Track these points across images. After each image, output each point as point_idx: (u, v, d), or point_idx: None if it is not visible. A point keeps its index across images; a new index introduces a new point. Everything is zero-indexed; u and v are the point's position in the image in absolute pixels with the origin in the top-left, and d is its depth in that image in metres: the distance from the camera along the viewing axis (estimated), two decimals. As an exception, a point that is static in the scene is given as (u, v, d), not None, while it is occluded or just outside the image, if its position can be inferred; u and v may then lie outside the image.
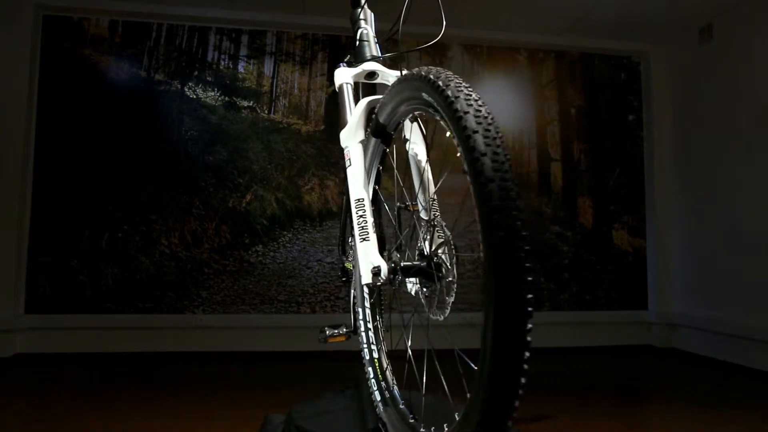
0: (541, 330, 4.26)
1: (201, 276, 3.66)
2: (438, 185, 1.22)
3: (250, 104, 3.88)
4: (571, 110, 4.32)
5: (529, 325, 0.83)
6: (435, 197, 1.19)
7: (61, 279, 3.53)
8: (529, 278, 0.83)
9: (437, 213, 1.18)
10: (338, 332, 1.61)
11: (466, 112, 0.89)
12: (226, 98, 3.85)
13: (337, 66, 1.41)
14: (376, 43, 1.39)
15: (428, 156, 1.25)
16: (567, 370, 3.47)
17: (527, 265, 0.83)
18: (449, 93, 0.93)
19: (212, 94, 3.84)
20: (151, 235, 3.65)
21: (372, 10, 1.50)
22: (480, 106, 0.91)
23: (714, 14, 3.75)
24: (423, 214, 1.19)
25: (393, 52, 1.40)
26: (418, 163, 1.23)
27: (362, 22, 1.39)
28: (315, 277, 3.80)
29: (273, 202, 3.82)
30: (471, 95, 0.92)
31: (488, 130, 0.88)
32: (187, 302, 3.64)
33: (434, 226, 1.14)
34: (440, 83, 0.96)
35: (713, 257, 3.78)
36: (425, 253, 1.09)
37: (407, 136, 1.26)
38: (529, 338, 0.83)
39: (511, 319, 0.82)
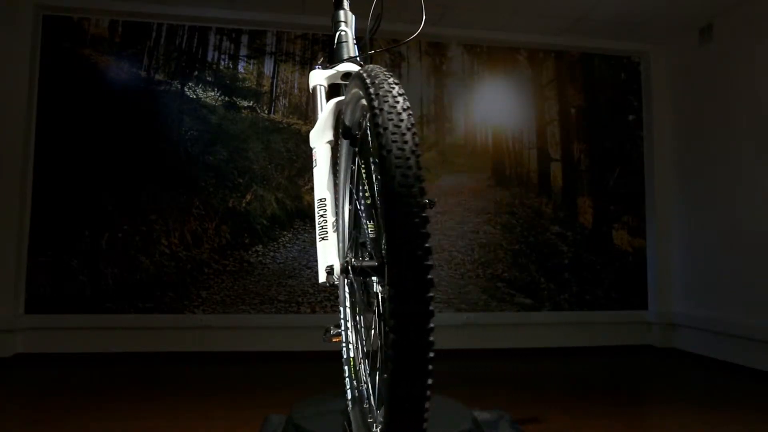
0: (542, 330, 4.31)
1: (201, 276, 3.66)
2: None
3: (250, 104, 3.88)
4: (571, 110, 4.32)
5: (431, 325, 0.82)
6: None
7: (61, 279, 3.53)
8: (428, 276, 0.81)
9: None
10: (339, 332, 1.62)
11: (381, 109, 0.90)
12: (226, 98, 3.85)
13: (312, 68, 1.42)
14: (355, 44, 1.39)
15: None
16: (567, 370, 3.47)
17: (427, 263, 0.81)
18: (371, 90, 0.93)
19: (212, 94, 3.84)
20: (151, 235, 3.66)
21: (356, 12, 1.51)
22: (396, 102, 0.90)
23: (714, 14, 3.75)
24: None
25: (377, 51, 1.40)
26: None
27: (342, 24, 1.40)
28: (315, 277, 3.80)
29: (273, 202, 3.82)
30: (390, 92, 0.92)
31: (398, 126, 0.88)
32: (187, 302, 3.64)
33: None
34: (367, 80, 0.97)
35: (713, 257, 3.78)
36: (375, 252, 1.09)
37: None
38: (431, 338, 0.82)
39: (411, 319, 0.81)
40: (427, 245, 0.81)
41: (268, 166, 3.84)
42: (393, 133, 0.86)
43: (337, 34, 1.39)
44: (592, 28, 4.01)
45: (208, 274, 3.67)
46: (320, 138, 1.27)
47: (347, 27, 1.40)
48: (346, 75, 1.33)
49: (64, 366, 3.22)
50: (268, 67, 3.93)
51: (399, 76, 4.10)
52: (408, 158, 0.84)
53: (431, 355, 0.83)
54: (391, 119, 0.88)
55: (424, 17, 1.43)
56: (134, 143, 3.70)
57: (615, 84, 4.39)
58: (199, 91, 3.82)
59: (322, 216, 1.20)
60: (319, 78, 1.38)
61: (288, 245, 3.80)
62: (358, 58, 1.37)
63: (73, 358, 3.36)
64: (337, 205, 1.27)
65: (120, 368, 3.21)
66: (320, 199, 1.22)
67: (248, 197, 3.79)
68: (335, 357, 3.51)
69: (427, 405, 0.85)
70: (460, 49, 4.20)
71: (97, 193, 3.63)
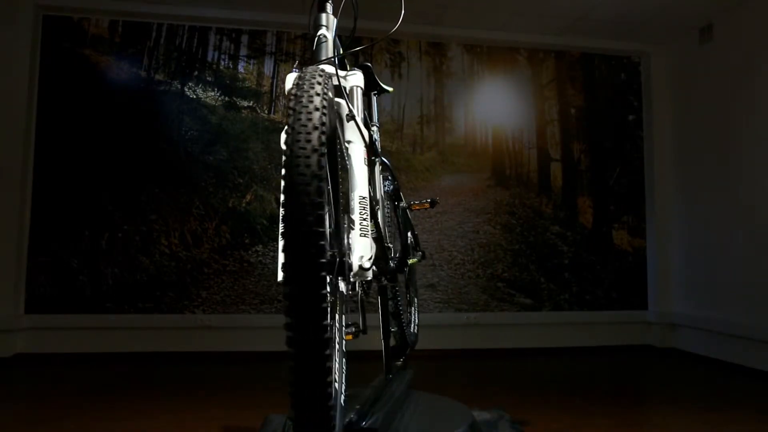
0: (542, 330, 4.30)
1: (201, 276, 3.66)
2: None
3: (250, 104, 3.88)
4: (571, 110, 4.32)
5: (325, 322, 0.83)
6: (365, 196, 1.20)
7: (61, 279, 3.53)
8: (323, 286, 0.82)
9: (365, 212, 1.18)
10: (346, 331, 1.64)
11: (294, 109, 0.92)
12: (226, 98, 3.85)
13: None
14: (335, 47, 1.41)
15: (368, 155, 1.27)
16: (567, 370, 3.47)
17: (320, 260, 0.82)
18: (292, 90, 0.96)
19: (212, 94, 3.84)
20: (151, 235, 3.65)
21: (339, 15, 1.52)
22: (309, 101, 0.92)
23: (714, 14, 3.75)
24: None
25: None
26: (356, 162, 1.24)
27: (322, 27, 1.42)
28: (315, 277, 3.79)
29: (273, 202, 3.82)
30: (307, 91, 0.94)
31: (293, 127, 0.90)
32: (187, 302, 3.64)
33: (351, 225, 1.15)
34: (290, 80, 0.99)
35: (713, 257, 3.78)
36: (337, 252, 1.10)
37: (346, 137, 1.27)
38: (325, 336, 0.83)
39: (303, 320, 0.82)
40: (321, 243, 0.81)
41: (268, 166, 3.83)
42: (298, 132, 0.88)
43: (316, 36, 1.40)
44: (592, 28, 4.01)
45: (208, 274, 3.67)
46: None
47: (327, 30, 1.41)
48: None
49: (64, 366, 3.22)
50: (268, 67, 3.93)
51: (399, 76, 4.11)
52: (308, 156, 0.85)
53: (324, 344, 0.83)
54: (299, 119, 0.89)
55: (402, 13, 1.44)
56: (134, 143, 3.70)
57: (615, 84, 4.39)
58: (199, 91, 3.82)
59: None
60: (291, 81, 1.39)
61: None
62: (335, 60, 1.38)
63: (73, 358, 3.36)
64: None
65: (120, 368, 3.21)
66: (281, 200, 1.27)
67: (248, 197, 3.79)
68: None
69: (330, 402, 0.86)
70: (460, 49, 4.19)
71: (97, 193, 3.63)
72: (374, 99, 2.15)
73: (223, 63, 3.89)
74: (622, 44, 4.27)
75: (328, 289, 0.83)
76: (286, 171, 0.85)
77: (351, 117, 1.25)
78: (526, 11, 3.79)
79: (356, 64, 1.59)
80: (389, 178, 2.14)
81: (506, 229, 4.10)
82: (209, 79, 3.85)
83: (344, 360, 1.35)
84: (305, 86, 0.95)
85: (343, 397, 1.27)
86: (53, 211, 3.57)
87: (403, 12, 1.45)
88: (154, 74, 3.79)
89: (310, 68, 1.02)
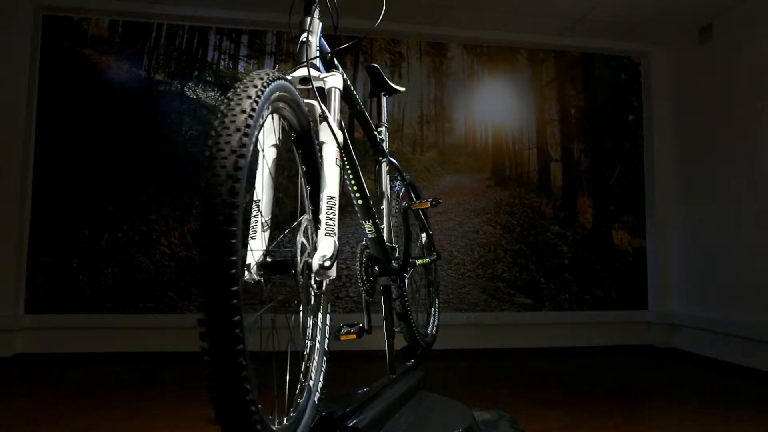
0: (542, 330, 4.30)
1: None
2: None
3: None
4: (571, 110, 4.32)
5: (237, 330, 0.84)
6: (333, 196, 1.23)
7: (61, 279, 3.53)
8: (234, 287, 0.83)
9: (329, 213, 1.20)
10: (351, 330, 1.65)
11: (221, 111, 0.94)
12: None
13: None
14: (318, 49, 1.42)
15: (341, 155, 1.29)
16: (567, 370, 3.47)
17: (229, 257, 0.83)
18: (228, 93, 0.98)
19: (212, 94, 3.84)
20: (151, 235, 3.65)
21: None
22: (237, 103, 0.94)
23: (714, 14, 3.75)
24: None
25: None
26: (327, 162, 1.27)
27: (306, 32, 1.44)
28: (315, 277, 3.80)
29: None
30: (237, 92, 0.96)
31: (215, 129, 0.92)
32: (187, 302, 3.63)
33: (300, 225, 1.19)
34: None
35: (713, 257, 3.78)
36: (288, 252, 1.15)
37: (320, 138, 1.30)
38: (239, 334, 0.85)
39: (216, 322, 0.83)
40: (232, 241, 0.82)
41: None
42: (219, 135, 0.90)
43: (300, 40, 1.43)
44: (592, 28, 4.01)
45: (208, 274, 3.67)
46: (266, 142, 1.31)
47: (311, 34, 1.43)
48: (304, 79, 1.35)
49: (64, 366, 3.22)
50: (268, 67, 3.93)
51: (399, 76, 4.11)
52: (225, 158, 0.87)
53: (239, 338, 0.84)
54: (224, 121, 0.92)
55: (383, 10, 1.48)
56: (134, 143, 3.70)
57: (615, 84, 4.39)
58: (199, 91, 3.82)
59: (254, 217, 1.27)
60: None
61: (288, 245, 3.80)
62: (317, 62, 1.40)
63: (73, 358, 3.36)
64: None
65: (120, 368, 3.21)
66: (255, 201, 1.28)
67: (248, 197, 3.78)
68: (336, 356, 3.51)
69: (249, 397, 0.87)
70: (460, 49, 4.19)
71: (97, 193, 3.63)
72: (383, 100, 2.15)
73: (223, 63, 3.89)
74: (622, 44, 4.27)
75: (239, 287, 0.85)
76: (203, 172, 0.87)
77: (323, 118, 1.27)
78: (526, 11, 3.79)
79: (365, 67, 1.61)
80: (398, 179, 2.14)
81: (506, 229, 4.10)
82: (209, 79, 3.85)
83: (324, 359, 1.36)
84: (239, 89, 0.97)
85: (317, 395, 1.28)
86: (53, 211, 3.57)
87: (384, 8, 1.47)
88: (154, 74, 3.78)
89: (254, 72, 1.03)
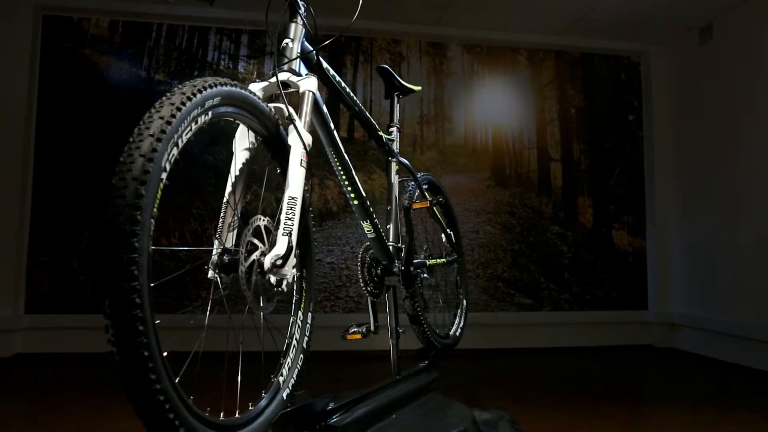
0: (542, 330, 4.29)
1: (201, 276, 3.65)
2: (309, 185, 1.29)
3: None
4: (571, 110, 4.32)
5: (141, 327, 0.86)
6: (294, 197, 1.25)
7: (61, 279, 3.53)
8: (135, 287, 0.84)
9: (292, 214, 1.25)
10: (357, 330, 1.67)
11: (143, 119, 0.98)
12: (226, 98, 3.84)
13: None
14: (299, 55, 1.45)
15: (308, 157, 1.32)
16: (567, 369, 3.47)
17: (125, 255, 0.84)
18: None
19: (212, 94, 3.83)
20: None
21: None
22: (158, 109, 1.00)
23: (714, 14, 3.75)
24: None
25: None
26: (292, 164, 1.30)
27: (286, 39, 1.47)
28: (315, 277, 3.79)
29: (273, 202, 3.81)
30: (160, 100, 1.00)
31: (141, 133, 0.97)
32: (187, 302, 3.64)
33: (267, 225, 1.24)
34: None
35: (713, 257, 3.78)
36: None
37: (288, 141, 1.33)
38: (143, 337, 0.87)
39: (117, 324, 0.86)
40: (132, 240, 0.85)
41: (268, 166, 3.83)
42: (132, 141, 0.95)
43: (281, 46, 1.46)
44: (592, 28, 4.01)
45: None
46: (239, 144, 1.37)
47: (292, 40, 1.46)
48: (284, 84, 1.39)
49: (64, 366, 3.22)
50: (268, 67, 3.93)
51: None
52: (133, 162, 0.91)
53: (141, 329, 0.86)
54: (140, 127, 0.97)
55: (359, 6, 1.51)
56: (134, 143, 3.69)
57: (615, 84, 4.39)
58: (199, 91, 3.81)
59: (221, 218, 1.32)
60: (255, 90, 1.44)
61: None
62: (294, 67, 1.43)
63: (73, 358, 3.36)
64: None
65: (120, 368, 3.20)
66: (225, 201, 1.33)
67: (248, 197, 3.78)
68: (336, 356, 3.52)
69: (161, 398, 0.90)
70: (460, 49, 4.19)
71: (97, 193, 3.62)
72: (396, 100, 2.16)
73: (223, 63, 3.89)
74: (622, 44, 4.27)
75: (142, 285, 0.86)
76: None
77: (290, 121, 1.31)
78: (526, 11, 3.79)
79: (375, 68, 1.64)
80: (411, 180, 2.13)
81: (506, 229, 4.10)
82: (209, 79, 3.84)
83: (301, 356, 1.39)
84: (166, 97, 1.02)
85: (287, 392, 1.30)
86: (53, 211, 3.57)
87: (360, 3, 1.49)
88: (154, 74, 3.78)
89: (193, 80, 1.09)
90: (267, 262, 1.17)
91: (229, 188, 1.30)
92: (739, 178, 3.57)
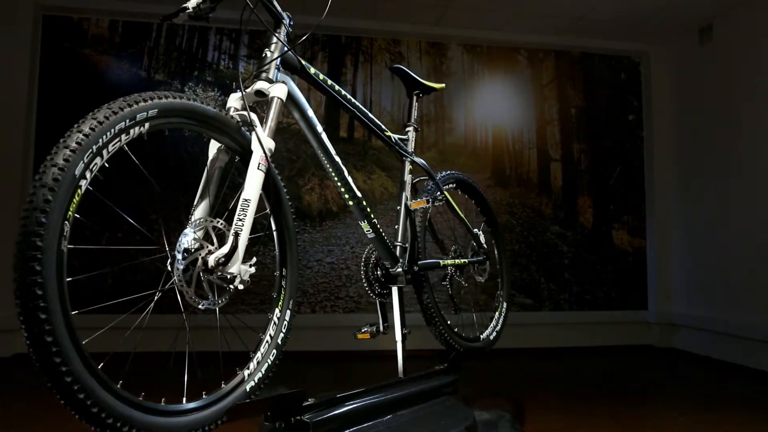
0: (542, 330, 4.29)
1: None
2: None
3: (250, 104, 3.87)
4: (571, 110, 4.32)
5: (43, 315, 0.95)
6: (248, 199, 1.31)
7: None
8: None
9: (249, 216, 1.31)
10: (367, 330, 1.70)
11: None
12: (226, 98, 3.84)
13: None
14: (278, 66, 1.51)
15: (267, 161, 1.36)
16: (567, 370, 3.47)
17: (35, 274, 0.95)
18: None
19: (212, 94, 3.84)
20: (151, 234, 3.65)
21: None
22: (81, 122, 1.09)
23: (714, 14, 3.75)
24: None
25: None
26: (250, 167, 1.35)
27: (267, 50, 1.52)
28: (315, 277, 3.80)
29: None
30: (86, 116, 1.09)
31: (65, 143, 1.05)
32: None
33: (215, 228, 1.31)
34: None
35: (713, 257, 3.78)
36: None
37: (251, 145, 1.37)
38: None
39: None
40: (37, 242, 0.97)
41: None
42: (53, 151, 1.03)
43: (262, 55, 1.51)
44: (592, 28, 4.01)
45: (208, 274, 3.67)
46: (212, 150, 1.47)
47: (272, 50, 1.51)
48: (258, 92, 1.46)
49: (64, 366, 3.21)
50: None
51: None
52: (44, 172, 1.00)
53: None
54: (59, 140, 1.05)
55: (329, 3, 1.58)
56: (134, 143, 3.69)
57: (615, 84, 4.39)
58: (199, 91, 3.82)
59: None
60: (231, 101, 1.52)
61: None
62: (271, 75, 1.48)
63: (73, 358, 3.35)
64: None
65: (120, 368, 3.20)
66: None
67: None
68: (336, 357, 3.52)
69: (68, 379, 0.99)
70: (460, 49, 4.19)
71: (97, 193, 3.62)
72: (414, 99, 2.15)
73: (223, 63, 3.89)
74: (622, 44, 4.27)
75: (46, 281, 0.96)
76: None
77: (251, 128, 1.37)
78: (526, 11, 3.79)
79: (389, 68, 1.68)
80: (429, 180, 2.11)
81: (506, 229, 4.10)
82: (209, 79, 3.85)
83: (274, 352, 1.44)
84: (96, 111, 1.12)
85: (251, 384, 1.42)
86: (53, 211, 3.56)
87: (329, 2, 1.52)
88: (154, 74, 3.79)
89: (130, 96, 1.20)
90: (211, 260, 1.27)
91: (199, 192, 1.39)
92: (739, 178, 3.57)
